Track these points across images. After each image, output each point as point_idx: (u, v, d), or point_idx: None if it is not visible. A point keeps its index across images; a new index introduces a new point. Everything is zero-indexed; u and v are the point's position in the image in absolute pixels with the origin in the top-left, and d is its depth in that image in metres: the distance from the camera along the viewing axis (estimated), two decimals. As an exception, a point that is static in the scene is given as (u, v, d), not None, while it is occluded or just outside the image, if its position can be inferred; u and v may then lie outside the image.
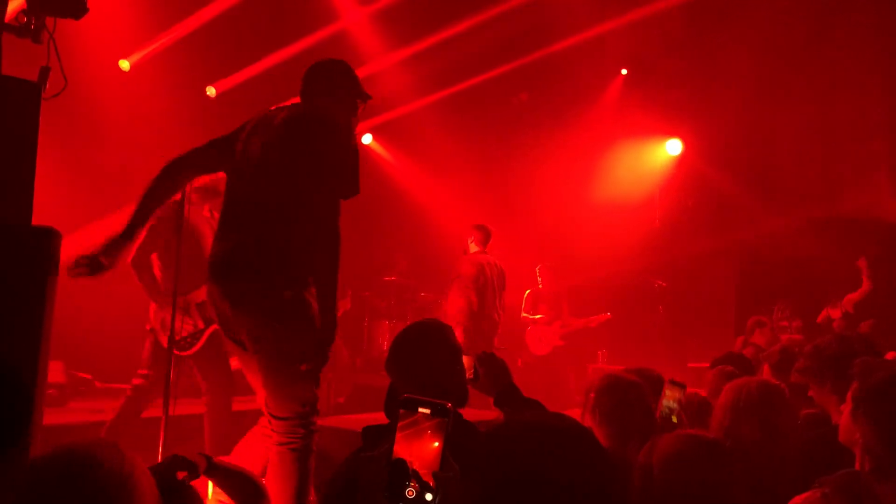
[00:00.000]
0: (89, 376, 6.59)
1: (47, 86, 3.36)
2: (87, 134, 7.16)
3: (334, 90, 3.43)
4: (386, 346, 7.28)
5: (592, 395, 2.60)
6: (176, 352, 4.46)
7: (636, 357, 6.65)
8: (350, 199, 3.19)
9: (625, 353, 8.40)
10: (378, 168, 10.72)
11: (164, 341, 4.50)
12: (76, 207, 6.52)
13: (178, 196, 4.23)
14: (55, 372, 5.68)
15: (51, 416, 5.05)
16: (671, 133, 9.71)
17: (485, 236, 7.37)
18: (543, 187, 10.21)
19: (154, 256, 4.67)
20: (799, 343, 7.34)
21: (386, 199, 10.05)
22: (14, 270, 2.47)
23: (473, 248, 7.37)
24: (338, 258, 3.04)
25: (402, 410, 1.24)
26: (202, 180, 4.52)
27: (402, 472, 1.19)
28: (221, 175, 3.52)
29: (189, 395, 6.43)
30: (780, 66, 9.51)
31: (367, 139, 10.59)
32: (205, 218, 4.82)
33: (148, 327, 4.74)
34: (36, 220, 2.79)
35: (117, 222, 3.41)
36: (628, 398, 2.53)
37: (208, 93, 8.47)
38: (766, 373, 3.96)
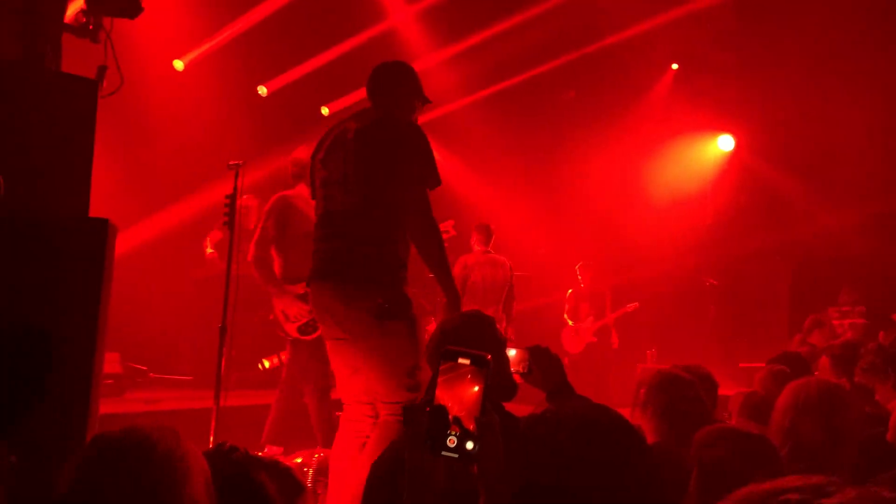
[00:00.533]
0: (144, 367, 6.77)
1: (104, 83, 3.47)
2: (141, 131, 7.36)
3: (398, 92, 3.51)
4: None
5: (643, 391, 2.56)
6: (300, 336, 4.61)
7: (686, 357, 6.49)
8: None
9: (674, 353, 8.24)
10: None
11: (289, 330, 4.65)
12: (131, 202, 6.70)
13: (228, 191, 4.33)
14: (112, 363, 5.84)
15: (108, 406, 5.21)
16: (723, 129, 9.51)
17: (485, 236, 7.17)
18: (592, 185, 10.11)
19: (273, 250, 4.73)
20: (862, 328, 7.12)
21: (433, 197, 10.05)
22: (71, 260, 2.55)
23: (476, 247, 7.22)
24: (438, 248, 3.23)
25: (442, 361, 1.24)
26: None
27: (442, 418, 1.20)
28: None
29: (240, 387, 6.59)
30: (838, 58, 9.22)
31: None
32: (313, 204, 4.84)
33: (271, 317, 4.86)
34: (92, 213, 2.88)
35: None
36: (684, 395, 2.47)
37: (259, 92, 8.61)
38: (824, 367, 3.84)
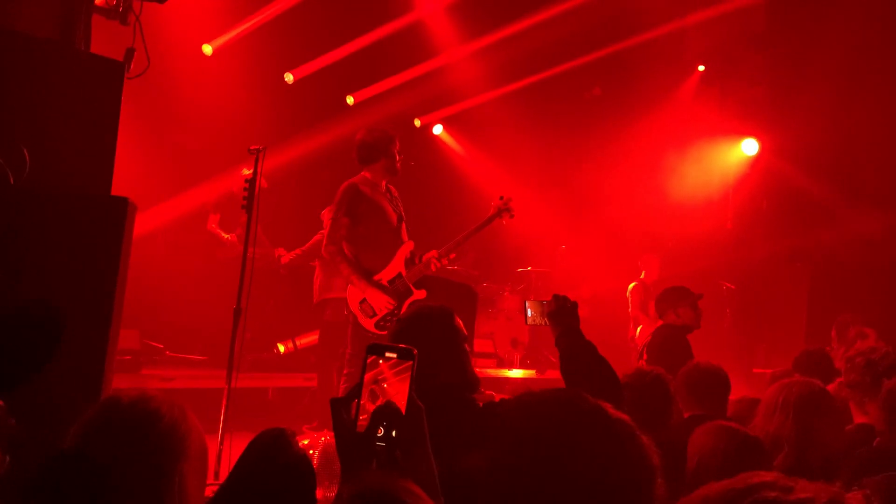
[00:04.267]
0: (161, 346, 6.90)
1: (132, 66, 3.54)
2: (168, 114, 7.46)
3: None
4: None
5: None
6: (378, 332, 4.51)
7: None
8: (421, 191, 3.46)
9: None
10: (447, 159, 10.79)
11: (367, 325, 4.53)
12: (154, 183, 6.81)
13: (248, 175, 4.40)
14: (131, 339, 5.96)
15: (124, 381, 5.33)
16: (747, 132, 9.41)
17: None
18: (614, 184, 10.08)
19: (344, 244, 4.61)
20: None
21: (454, 190, 10.11)
22: (90, 236, 2.63)
23: None
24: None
25: (368, 355, 1.31)
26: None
27: (368, 409, 1.27)
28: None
29: (254, 369, 6.69)
30: (869, 63, 9.09)
31: (437, 130, 10.66)
32: (383, 194, 4.79)
33: (345, 312, 4.75)
34: (115, 192, 2.95)
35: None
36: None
37: (286, 79, 8.68)
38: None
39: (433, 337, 2.31)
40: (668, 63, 10.04)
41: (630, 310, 8.09)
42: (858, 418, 2.90)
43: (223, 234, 7.11)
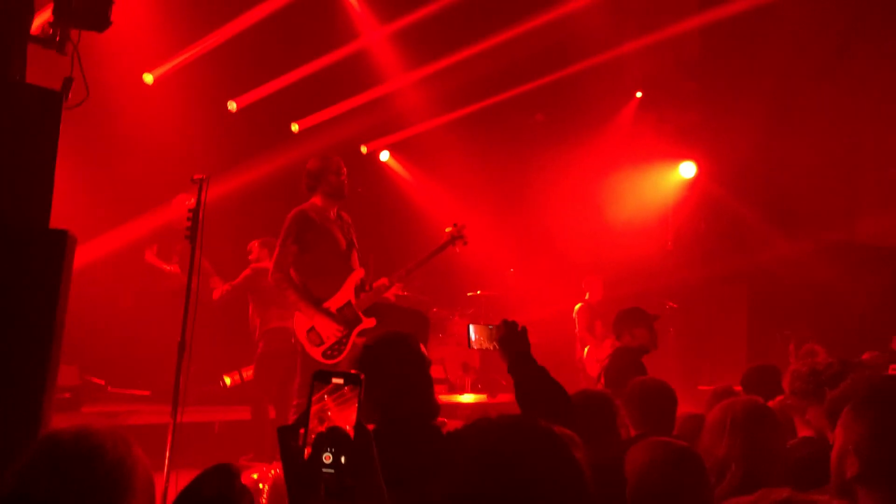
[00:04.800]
0: (102, 381, 6.70)
1: (70, 95, 3.48)
2: (109, 144, 7.32)
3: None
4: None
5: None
6: (326, 361, 4.45)
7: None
8: (367, 216, 3.44)
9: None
10: (395, 185, 10.81)
11: (314, 353, 4.46)
12: (95, 215, 6.65)
13: (192, 205, 4.33)
14: (70, 376, 5.77)
15: (63, 420, 5.15)
16: (685, 156, 9.72)
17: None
18: (558, 207, 10.25)
19: (291, 271, 4.58)
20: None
21: (403, 216, 10.14)
22: (29, 270, 2.56)
23: None
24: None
25: (315, 382, 1.29)
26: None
27: (319, 438, 1.25)
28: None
29: (199, 403, 6.53)
30: (798, 90, 9.51)
31: (384, 156, 10.69)
32: (333, 221, 4.78)
33: (293, 340, 4.68)
34: (54, 224, 2.88)
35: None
36: None
37: (230, 107, 8.61)
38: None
39: (400, 363, 2.30)
40: (607, 90, 10.32)
41: (577, 330, 8.20)
42: (802, 432, 2.99)
43: (165, 266, 6.98)
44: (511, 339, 2.57)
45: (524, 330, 2.60)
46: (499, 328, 2.63)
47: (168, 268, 6.98)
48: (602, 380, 5.26)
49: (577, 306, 8.29)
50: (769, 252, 9.17)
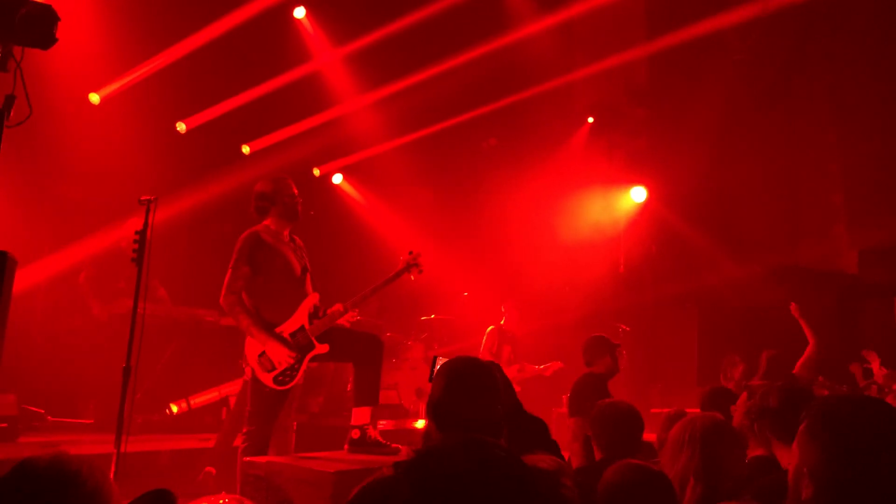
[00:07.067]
0: (42, 410, 6.42)
1: (12, 114, 3.36)
2: (53, 164, 7.12)
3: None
4: (349, 386, 7.19)
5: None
6: (277, 387, 4.35)
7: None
8: (320, 239, 3.39)
9: (588, 398, 8.36)
10: (347, 207, 10.76)
11: (264, 379, 4.35)
12: (36, 236, 6.44)
13: (138, 227, 4.22)
14: (7, 405, 5.52)
15: (1, 451, 4.92)
16: (636, 180, 9.91)
17: None
18: (511, 231, 10.32)
19: (243, 294, 4.45)
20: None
21: (355, 239, 10.08)
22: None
23: None
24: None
25: None
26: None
27: None
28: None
29: (144, 431, 6.34)
30: (742, 118, 9.81)
31: (337, 179, 10.64)
32: (286, 243, 4.66)
33: (244, 366, 4.52)
34: (-8, 246, 2.76)
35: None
36: None
37: (178, 128, 8.47)
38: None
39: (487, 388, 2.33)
40: (559, 115, 10.49)
41: (480, 351, 8.28)
42: (754, 451, 3.03)
43: (91, 299, 6.75)
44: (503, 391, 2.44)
45: (506, 377, 2.54)
46: None
47: (94, 305, 6.75)
48: (564, 407, 5.37)
49: (489, 328, 8.39)
50: (718, 275, 9.37)
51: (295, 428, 6.64)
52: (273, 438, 4.55)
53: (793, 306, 6.75)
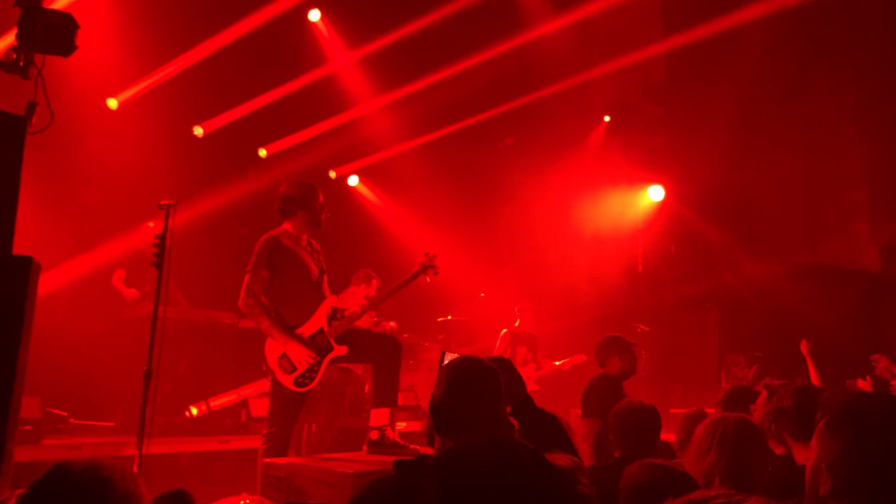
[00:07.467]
0: (65, 413, 6.48)
1: (33, 120, 3.40)
2: (73, 170, 7.18)
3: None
4: (367, 387, 7.21)
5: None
6: (297, 389, 4.39)
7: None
8: (337, 241, 3.40)
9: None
10: (363, 209, 10.78)
11: (285, 381, 4.38)
12: (58, 241, 6.50)
13: (159, 231, 4.26)
14: (31, 408, 5.58)
15: (25, 453, 4.97)
16: (653, 179, 9.85)
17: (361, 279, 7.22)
18: (527, 231, 10.29)
19: (262, 297, 4.46)
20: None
21: (371, 241, 10.08)
22: (-9, 299, 2.47)
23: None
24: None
25: None
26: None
27: None
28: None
29: (165, 434, 6.38)
30: (761, 114, 9.72)
31: (353, 181, 10.66)
32: (304, 247, 4.69)
33: (263, 368, 4.54)
34: (17, 251, 2.79)
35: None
36: None
37: (195, 132, 8.52)
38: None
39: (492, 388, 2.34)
40: (575, 114, 10.45)
41: (493, 353, 8.24)
42: (777, 450, 3.01)
43: (125, 291, 6.85)
44: (509, 386, 2.42)
45: (518, 376, 2.50)
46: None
47: (127, 293, 6.84)
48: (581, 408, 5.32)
49: (503, 332, 8.41)
50: (738, 274, 9.29)
51: (314, 430, 6.69)
52: (324, 439, 4.67)
53: (803, 343, 6.56)
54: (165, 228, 4.35)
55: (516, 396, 2.46)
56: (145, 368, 4.16)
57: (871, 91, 9.52)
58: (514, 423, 2.46)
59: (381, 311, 9.11)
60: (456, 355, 2.69)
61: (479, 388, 2.28)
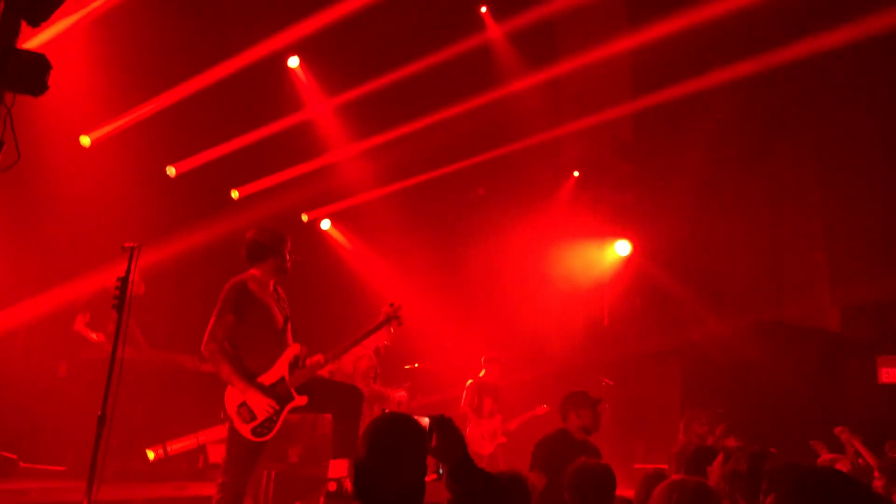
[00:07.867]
0: (14, 456, 6.30)
1: (0, 157, 3.39)
2: (42, 207, 7.10)
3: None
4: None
5: None
6: (255, 438, 4.29)
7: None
8: (307, 285, 3.40)
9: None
10: (335, 254, 10.77)
11: (243, 430, 4.28)
12: (18, 279, 6.40)
13: (121, 273, 4.22)
14: (-22, 450, 5.43)
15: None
16: (621, 234, 9.99)
17: None
18: (497, 281, 10.35)
19: (225, 343, 4.39)
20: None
21: (341, 285, 10.07)
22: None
23: None
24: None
25: None
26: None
27: None
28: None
29: (119, 479, 6.22)
30: (727, 175, 9.97)
31: (325, 225, 10.68)
32: (270, 294, 4.64)
33: (222, 416, 4.44)
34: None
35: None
36: None
37: (168, 172, 8.51)
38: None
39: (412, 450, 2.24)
40: (546, 168, 10.64)
41: (461, 405, 8.24)
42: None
43: (91, 334, 6.71)
44: (447, 447, 2.34)
45: (460, 436, 2.39)
46: (431, 428, 2.34)
47: (95, 337, 6.72)
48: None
49: (468, 382, 8.40)
50: (701, 330, 9.40)
51: (273, 477, 6.55)
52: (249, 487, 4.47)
53: (839, 430, 6.40)
54: (128, 271, 4.31)
55: (454, 456, 2.36)
56: (99, 413, 4.07)
57: (833, 157, 9.83)
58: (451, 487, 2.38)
59: (387, 379, 8.89)
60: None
61: (399, 452, 2.18)
